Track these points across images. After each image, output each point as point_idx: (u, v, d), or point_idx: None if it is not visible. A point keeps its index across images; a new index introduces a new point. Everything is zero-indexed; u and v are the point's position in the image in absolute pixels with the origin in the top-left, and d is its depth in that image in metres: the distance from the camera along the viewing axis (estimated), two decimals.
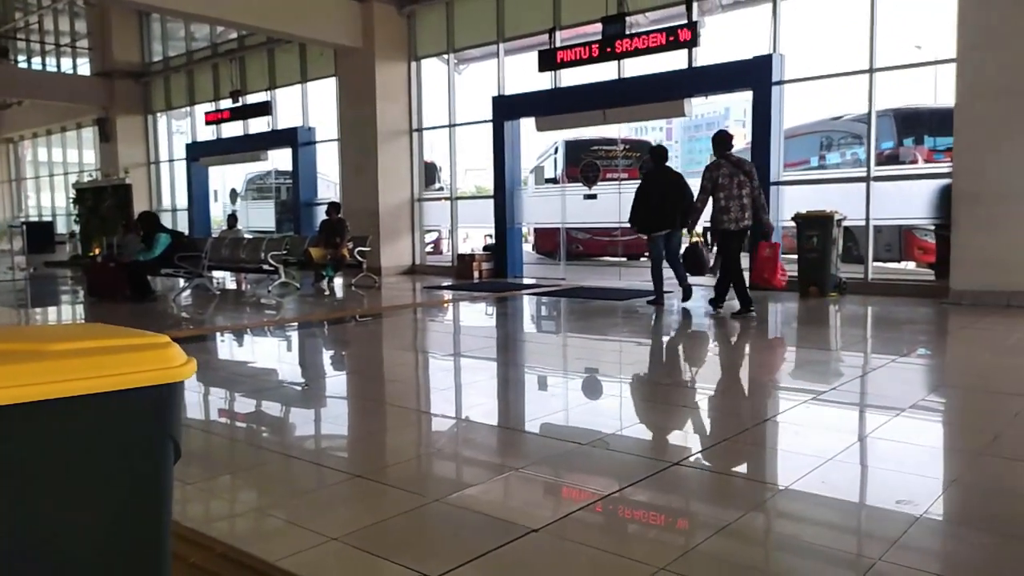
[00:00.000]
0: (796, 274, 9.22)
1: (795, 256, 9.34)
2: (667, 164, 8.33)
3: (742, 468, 3.25)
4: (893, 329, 7.12)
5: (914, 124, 13.13)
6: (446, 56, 13.18)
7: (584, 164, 12.30)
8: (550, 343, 7.14)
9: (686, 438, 3.74)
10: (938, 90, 10.36)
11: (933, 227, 9.72)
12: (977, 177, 7.83)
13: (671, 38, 10.10)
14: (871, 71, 8.99)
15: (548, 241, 16.63)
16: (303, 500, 2.84)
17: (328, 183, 16.26)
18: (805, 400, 4.31)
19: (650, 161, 8.57)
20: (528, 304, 9.55)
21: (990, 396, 4.34)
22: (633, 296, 9.18)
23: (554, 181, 16.49)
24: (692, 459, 3.23)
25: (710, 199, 7.50)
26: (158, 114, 19.38)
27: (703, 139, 65.39)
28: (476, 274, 12.25)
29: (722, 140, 7.56)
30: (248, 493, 3.08)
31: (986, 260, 7.77)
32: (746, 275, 7.70)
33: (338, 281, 11.94)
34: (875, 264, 12.39)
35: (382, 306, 9.46)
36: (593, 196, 11.65)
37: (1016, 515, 2.59)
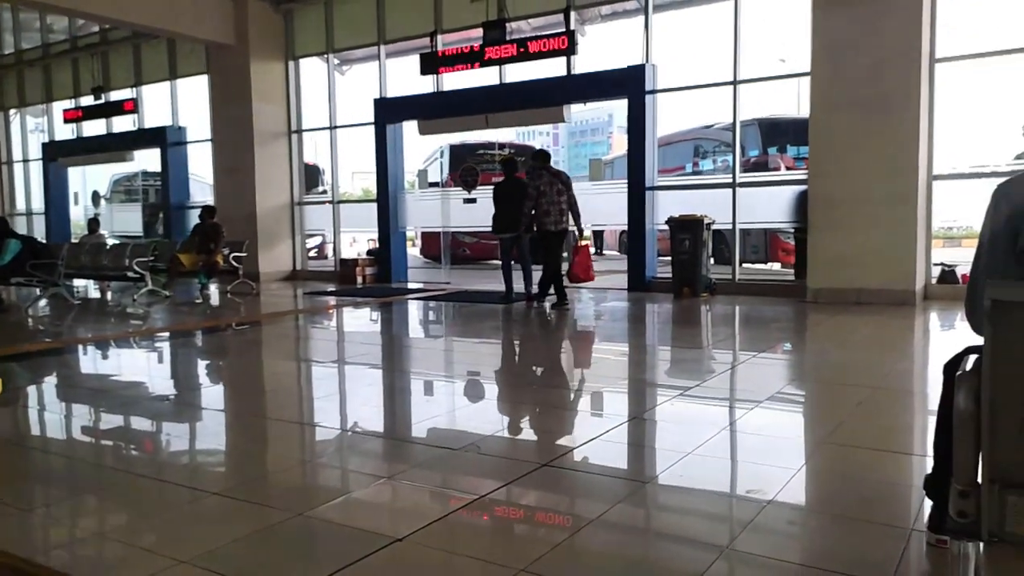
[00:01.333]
0: (671, 275, 9.62)
1: (669, 258, 9.74)
2: (517, 174, 9.14)
3: (608, 465, 3.34)
4: (755, 327, 7.54)
5: (778, 133, 13.95)
6: (326, 56, 12.89)
7: (463, 168, 12.36)
8: (429, 348, 7.10)
9: (557, 438, 3.81)
10: (801, 101, 11.06)
11: (793, 230, 10.35)
12: (829, 183, 8.41)
13: (550, 46, 10.29)
14: (735, 83, 9.49)
15: (434, 245, 16.57)
16: (154, 522, 2.69)
17: (202, 185, 15.54)
18: (672, 396, 4.50)
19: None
20: (411, 309, 9.47)
21: (836, 387, 4.66)
22: (516, 300, 9.28)
23: (439, 185, 16.46)
24: (561, 459, 3.29)
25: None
26: (11, 111, 17.92)
27: (588, 144, 67.21)
28: (360, 279, 12.04)
29: (543, 155, 8.79)
30: (95, 517, 2.88)
31: (838, 260, 8.35)
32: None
33: (213, 288, 11.42)
34: (744, 265, 13.09)
35: (260, 313, 9.13)
36: (472, 200, 11.71)
37: (849, 496, 2.79)
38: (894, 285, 8.08)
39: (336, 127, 12.91)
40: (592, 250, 10.44)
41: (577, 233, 8.81)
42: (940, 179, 8.56)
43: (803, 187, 9.01)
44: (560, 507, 2.87)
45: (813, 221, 8.60)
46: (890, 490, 2.90)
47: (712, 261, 12.72)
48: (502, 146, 17.81)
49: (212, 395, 5.11)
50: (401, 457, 3.48)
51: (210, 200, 13.41)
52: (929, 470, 2.30)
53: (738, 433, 3.65)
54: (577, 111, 11.10)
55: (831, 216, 8.42)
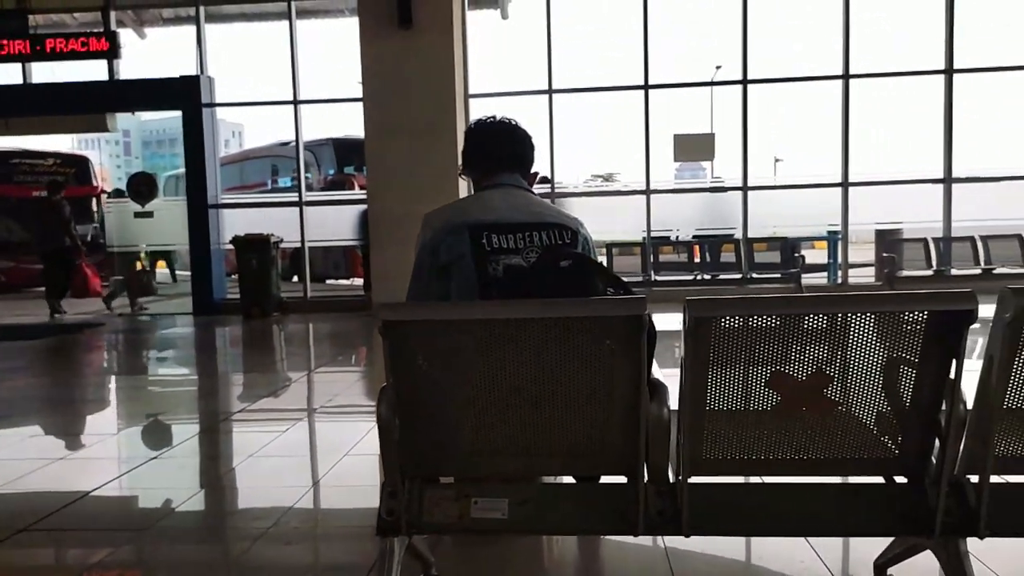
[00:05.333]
0: (239, 296, 9.29)
1: (237, 278, 9.41)
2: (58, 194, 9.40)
3: (104, 517, 2.99)
4: (314, 344, 7.68)
5: (353, 152, 14.46)
6: None
7: None
8: None
9: (52, 493, 3.32)
10: None
11: (361, 247, 10.80)
12: (387, 203, 8.96)
13: (89, 46, 9.20)
14: (295, 103, 9.58)
15: None
16: None
17: None
18: (208, 426, 4.29)
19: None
20: None
21: (372, 398, 4.93)
22: (59, 332, 8.08)
23: None
24: (49, 519, 2.87)
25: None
26: None
27: (167, 156, 62.03)
28: None
29: (52, 186, 9.81)
30: None
31: (396, 276, 8.89)
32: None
33: None
34: (328, 281, 13.28)
35: None
36: None
37: (352, 504, 2.93)
38: None
39: None
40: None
41: (72, 254, 9.55)
42: None
43: (366, 206, 9.46)
44: None
45: (374, 239, 9.07)
46: None
47: (296, 279, 12.63)
48: (53, 155, 15.46)
49: None
50: None
51: None
52: None
53: (265, 457, 3.61)
54: (154, 119, 10.18)
55: (390, 234, 8.97)
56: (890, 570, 2.10)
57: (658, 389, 1.79)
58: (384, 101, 8.89)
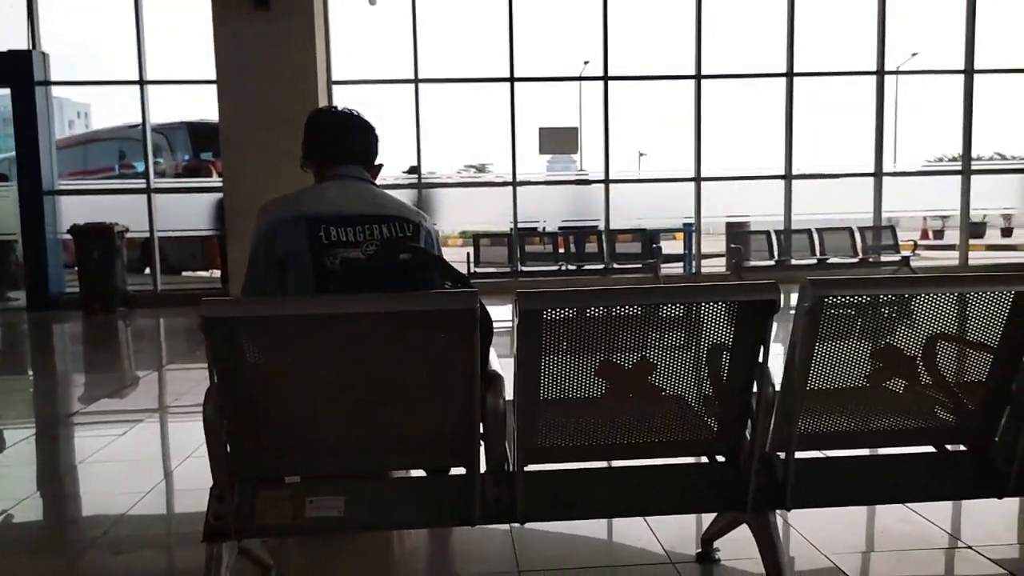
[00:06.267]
0: (79, 289, 8.63)
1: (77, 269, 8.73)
2: None
3: None
4: (167, 339, 7.26)
5: (209, 138, 13.69)
6: None
7: None
8: None
9: None
10: None
11: (217, 237, 10.28)
12: (243, 192, 8.55)
13: None
14: (141, 83, 9.01)
15: None
16: None
17: None
18: (39, 431, 3.96)
19: None
20: None
21: None
22: None
23: None
24: None
25: None
26: None
27: (7, 138, 56.58)
28: None
29: None
30: None
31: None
32: None
33: None
34: (185, 273, 12.57)
35: None
36: None
37: (187, 509, 2.79)
38: None
39: None
40: None
41: None
42: None
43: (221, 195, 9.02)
44: None
45: (230, 229, 8.66)
46: None
47: (148, 271, 11.87)
48: None
49: None
50: None
51: None
52: None
53: (99, 462, 3.37)
54: None
55: (247, 224, 8.53)
56: (716, 543, 2.23)
57: (494, 380, 1.82)
58: (240, 85, 8.46)
